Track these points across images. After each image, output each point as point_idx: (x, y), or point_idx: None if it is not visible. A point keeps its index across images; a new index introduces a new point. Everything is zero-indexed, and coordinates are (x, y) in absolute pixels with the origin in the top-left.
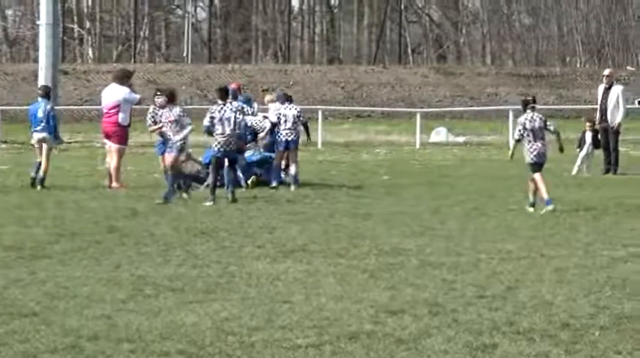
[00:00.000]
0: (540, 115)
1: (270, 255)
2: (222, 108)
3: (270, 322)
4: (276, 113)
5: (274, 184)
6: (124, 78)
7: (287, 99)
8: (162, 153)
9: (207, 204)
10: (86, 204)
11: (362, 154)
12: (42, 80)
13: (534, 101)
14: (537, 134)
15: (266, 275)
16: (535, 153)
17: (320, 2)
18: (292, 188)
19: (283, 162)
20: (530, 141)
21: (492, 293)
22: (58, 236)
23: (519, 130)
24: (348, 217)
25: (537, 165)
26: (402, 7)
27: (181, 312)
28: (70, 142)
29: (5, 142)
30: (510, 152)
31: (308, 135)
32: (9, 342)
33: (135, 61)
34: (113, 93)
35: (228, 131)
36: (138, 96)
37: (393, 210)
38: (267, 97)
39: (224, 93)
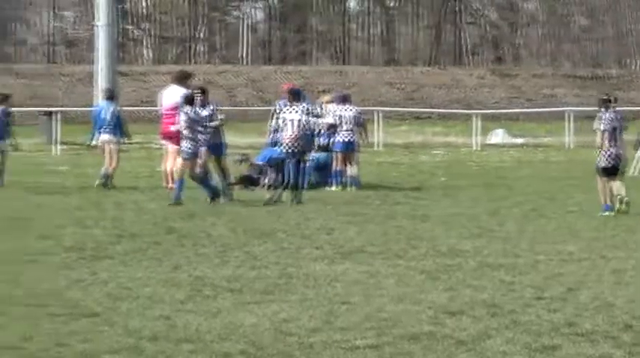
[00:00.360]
0: (619, 115)
1: (328, 256)
2: (290, 109)
3: (328, 323)
4: (333, 115)
5: (334, 188)
6: (183, 79)
7: (345, 100)
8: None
9: (270, 201)
10: (145, 205)
11: (420, 156)
12: (99, 81)
13: (615, 100)
14: (615, 135)
15: (324, 276)
16: (611, 155)
17: (377, 3)
18: (352, 189)
19: (339, 164)
20: (608, 143)
21: (551, 295)
22: (118, 237)
23: (603, 124)
24: (406, 218)
25: (612, 169)
26: (459, 8)
27: (240, 313)
28: (130, 143)
29: (64, 143)
30: (600, 142)
31: (366, 136)
32: (70, 343)
33: (192, 62)
34: (173, 95)
35: (295, 132)
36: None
37: (451, 211)
38: (325, 98)
39: (294, 95)
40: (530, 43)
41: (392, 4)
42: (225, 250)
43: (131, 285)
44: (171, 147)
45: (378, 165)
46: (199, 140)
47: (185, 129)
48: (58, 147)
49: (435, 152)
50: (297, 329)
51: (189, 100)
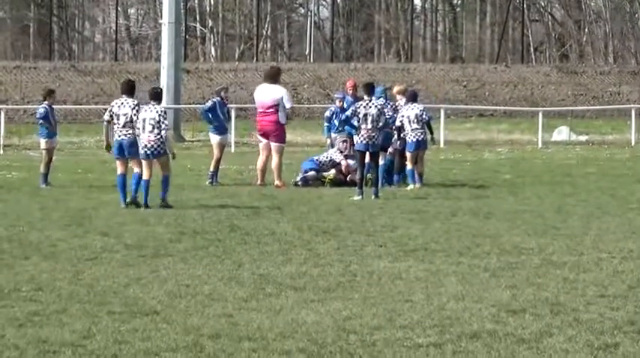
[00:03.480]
0: None
1: (391, 253)
2: (367, 103)
3: (391, 321)
4: (400, 117)
5: (410, 186)
6: (276, 76)
7: (415, 97)
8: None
9: (356, 198)
10: (208, 203)
11: (484, 153)
12: (164, 79)
13: None
14: None
15: (387, 274)
16: None
17: (443, 1)
18: (415, 186)
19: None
20: None
21: (614, 293)
22: (179, 234)
23: None
24: (469, 216)
25: None
26: (525, 5)
27: (302, 311)
28: (191, 141)
29: None
30: None
31: (431, 133)
32: (131, 340)
33: (257, 60)
34: (270, 92)
35: (370, 126)
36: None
37: (514, 208)
38: (396, 88)
39: (370, 89)
40: (595, 40)
41: (457, 2)
42: (288, 248)
43: (191, 283)
44: (273, 144)
45: (441, 162)
46: None
47: None
48: None
49: (499, 149)
50: (359, 327)
51: None
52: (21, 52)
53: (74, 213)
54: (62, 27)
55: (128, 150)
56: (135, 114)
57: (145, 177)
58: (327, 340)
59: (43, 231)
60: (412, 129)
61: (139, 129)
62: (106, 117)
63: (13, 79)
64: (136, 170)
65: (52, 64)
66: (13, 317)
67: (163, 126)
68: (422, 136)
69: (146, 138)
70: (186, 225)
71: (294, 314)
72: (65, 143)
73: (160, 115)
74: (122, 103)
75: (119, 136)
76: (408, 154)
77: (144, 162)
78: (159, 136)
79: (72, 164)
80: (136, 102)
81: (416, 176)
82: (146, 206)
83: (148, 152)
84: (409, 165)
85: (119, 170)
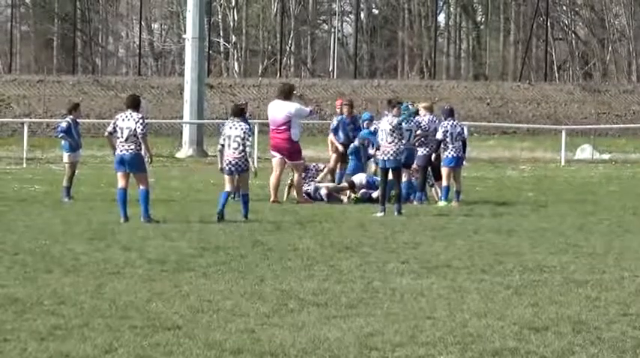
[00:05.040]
0: None
1: (414, 270)
2: (390, 119)
3: (413, 338)
4: (442, 130)
5: (441, 203)
6: (289, 93)
7: (451, 114)
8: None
9: (379, 215)
10: (230, 218)
11: (507, 171)
12: (187, 94)
13: None
14: None
15: (410, 290)
16: None
17: (466, 18)
18: (453, 203)
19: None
20: None
21: (636, 311)
22: (202, 250)
23: None
24: (492, 233)
25: None
26: (549, 23)
27: (325, 327)
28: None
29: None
30: None
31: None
32: (153, 355)
33: (280, 76)
34: (282, 109)
35: (390, 141)
36: (308, 110)
37: (537, 226)
38: (422, 104)
39: (391, 105)
40: (619, 58)
41: (481, 19)
42: (311, 264)
43: (213, 298)
44: (289, 163)
45: (464, 179)
46: None
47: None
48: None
49: (522, 167)
50: (381, 344)
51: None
52: (44, 66)
53: (97, 227)
54: (86, 41)
55: (129, 165)
56: (141, 128)
57: (227, 189)
58: (349, 357)
59: (65, 244)
60: (452, 146)
61: (222, 144)
62: (110, 129)
63: (37, 92)
64: (141, 187)
65: (76, 78)
66: (36, 330)
67: (248, 143)
68: (460, 153)
69: (231, 155)
70: (208, 240)
71: (317, 331)
72: (88, 157)
73: (245, 133)
74: (127, 117)
75: (120, 150)
76: (444, 170)
77: (227, 177)
78: (242, 153)
79: (95, 178)
80: (140, 116)
81: (452, 193)
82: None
83: (232, 168)
84: (444, 182)
85: (120, 184)
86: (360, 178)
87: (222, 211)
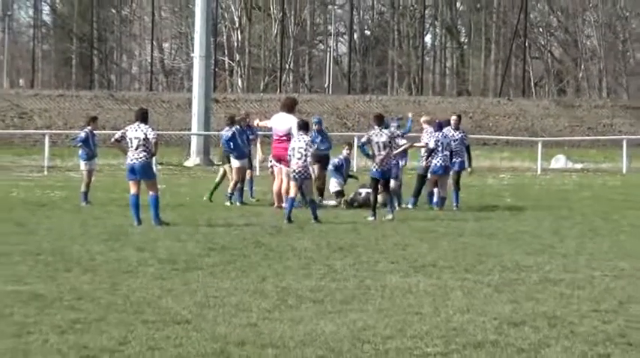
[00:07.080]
0: None
1: (402, 269)
2: (378, 132)
3: (402, 331)
4: (434, 140)
5: (434, 208)
6: (292, 106)
7: (441, 127)
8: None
9: (370, 219)
10: (234, 222)
11: (488, 179)
12: (195, 108)
13: None
14: None
15: (399, 288)
16: None
17: (451, 39)
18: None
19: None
20: None
21: (606, 308)
22: (209, 250)
23: None
24: (475, 236)
25: None
26: (526, 44)
27: (321, 321)
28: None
29: (161, 164)
30: None
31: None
32: (164, 347)
33: (280, 91)
34: (285, 121)
35: (383, 153)
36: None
37: (516, 229)
38: (423, 118)
39: (380, 120)
40: (591, 76)
41: (464, 40)
42: (309, 263)
43: (219, 295)
44: (283, 168)
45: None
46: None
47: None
48: (157, 167)
49: (502, 176)
50: (373, 337)
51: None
52: (64, 82)
53: (112, 229)
54: (102, 59)
55: (139, 173)
56: (153, 134)
57: (291, 194)
58: (344, 348)
59: (83, 245)
60: (441, 155)
61: (288, 155)
62: (117, 136)
63: (57, 106)
64: (151, 193)
65: (93, 92)
66: (57, 324)
67: (309, 153)
68: (447, 162)
69: (295, 164)
70: (214, 242)
71: (314, 325)
72: (104, 165)
73: (307, 145)
74: (136, 128)
75: (131, 160)
76: (431, 177)
77: (292, 183)
78: (305, 163)
79: (110, 184)
80: (149, 127)
81: (435, 198)
82: (315, 219)
83: (297, 176)
84: (429, 187)
85: (132, 190)
86: (333, 184)
87: (290, 216)
